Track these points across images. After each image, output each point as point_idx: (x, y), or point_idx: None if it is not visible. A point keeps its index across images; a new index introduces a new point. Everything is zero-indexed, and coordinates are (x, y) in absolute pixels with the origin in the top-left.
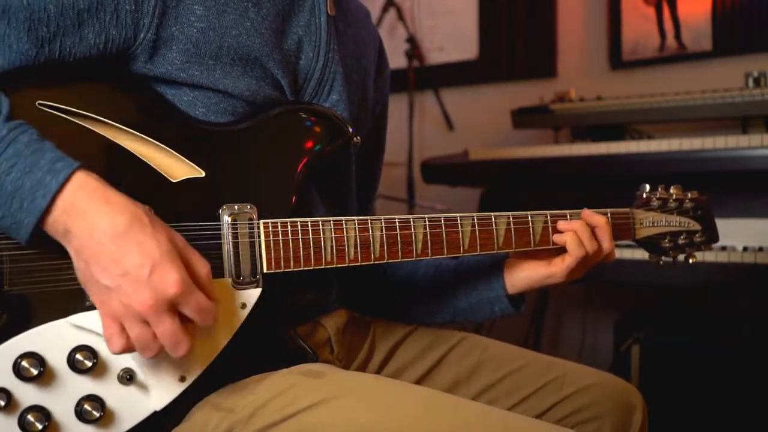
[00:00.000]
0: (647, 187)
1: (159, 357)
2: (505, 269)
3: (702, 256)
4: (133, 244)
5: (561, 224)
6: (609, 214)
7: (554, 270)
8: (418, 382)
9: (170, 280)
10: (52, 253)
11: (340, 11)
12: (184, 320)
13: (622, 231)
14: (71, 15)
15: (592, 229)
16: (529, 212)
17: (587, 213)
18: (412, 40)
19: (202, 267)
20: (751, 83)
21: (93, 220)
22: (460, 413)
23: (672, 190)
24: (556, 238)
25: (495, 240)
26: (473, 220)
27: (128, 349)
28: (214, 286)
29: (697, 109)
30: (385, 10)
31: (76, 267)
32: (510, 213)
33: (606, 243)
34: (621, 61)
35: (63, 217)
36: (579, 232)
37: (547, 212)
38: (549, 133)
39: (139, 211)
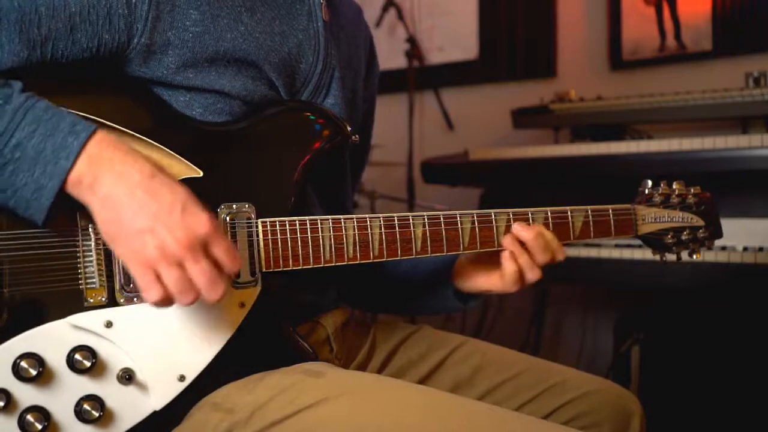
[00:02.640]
0: (649, 182)
1: (158, 354)
2: (454, 275)
3: (702, 256)
4: (163, 185)
5: (505, 242)
6: (610, 210)
7: (495, 284)
8: (419, 384)
9: (201, 219)
10: (52, 253)
11: (333, 15)
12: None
13: (624, 227)
14: (63, 18)
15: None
16: (529, 209)
17: (515, 230)
18: (412, 40)
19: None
20: (751, 83)
21: (121, 167)
22: (461, 412)
23: (675, 186)
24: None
25: (495, 237)
26: (473, 217)
27: (166, 296)
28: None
29: (697, 109)
30: (385, 10)
31: (102, 221)
32: (510, 210)
33: (540, 257)
34: (621, 61)
35: (90, 167)
36: (512, 248)
37: (548, 209)
38: (549, 133)
39: (157, 163)
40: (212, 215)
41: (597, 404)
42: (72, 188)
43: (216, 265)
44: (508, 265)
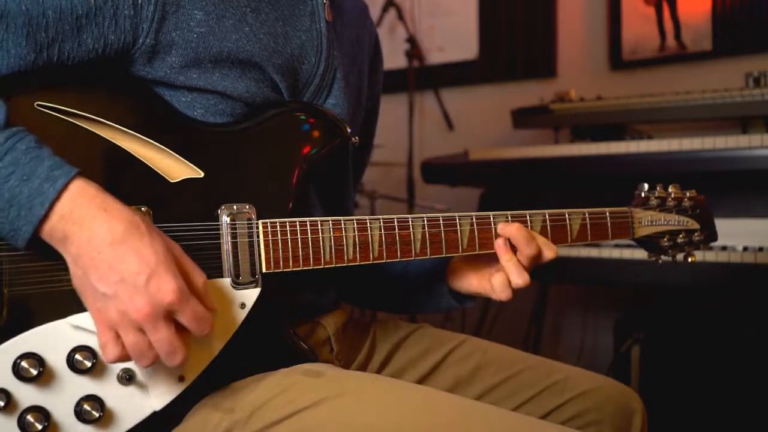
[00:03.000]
0: (645, 186)
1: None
2: (448, 275)
3: (702, 256)
4: (130, 252)
5: (497, 245)
6: (607, 213)
7: (485, 288)
8: (418, 383)
9: (167, 289)
10: (52, 253)
11: (336, 15)
12: (180, 329)
13: (620, 230)
14: (70, 20)
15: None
16: (527, 212)
17: (500, 228)
18: (412, 40)
19: (198, 276)
20: (751, 83)
21: (91, 228)
22: (461, 411)
23: (670, 189)
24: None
25: (493, 239)
26: (472, 219)
27: (123, 357)
28: (210, 296)
29: (697, 109)
30: (385, 10)
31: (73, 274)
32: (508, 212)
33: (526, 250)
34: (621, 61)
35: (61, 223)
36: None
37: (545, 211)
38: (549, 133)
39: (137, 219)
40: (182, 283)
41: (599, 402)
42: (45, 237)
43: (183, 328)
44: (496, 275)
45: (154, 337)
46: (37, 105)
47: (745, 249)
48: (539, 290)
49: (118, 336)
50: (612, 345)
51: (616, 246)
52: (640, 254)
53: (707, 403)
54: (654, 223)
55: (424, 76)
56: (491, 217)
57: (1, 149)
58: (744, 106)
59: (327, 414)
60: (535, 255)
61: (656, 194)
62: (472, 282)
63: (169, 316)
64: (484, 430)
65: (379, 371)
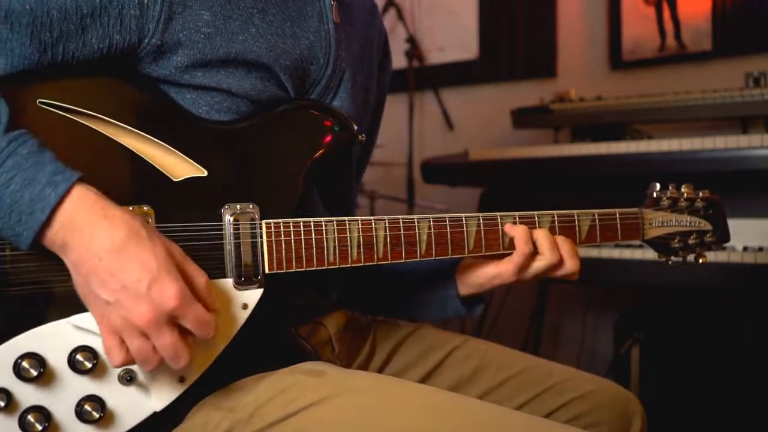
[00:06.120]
0: (657, 186)
1: None
2: (458, 271)
3: None
4: (131, 259)
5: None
6: (617, 215)
7: (503, 268)
8: (419, 383)
9: (169, 294)
10: (54, 252)
11: (344, 16)
12: (183, 331)
13: (630, 231)
14: (74, 20)
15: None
16: (535, 212)
17: (507, 227)
18: (412, 40)
19: (200, 278)
20: (751, 83)
21: (91, 235)
22: (461, 410)
23: (683, 189)
24: (507, 228)
25: (500, 240)
26: (479, 220)
27: (128, 362)
28: (213, 297)
29: (697, 109)
30: (385, 10)
31: (75, 281)
32: (516, 213)
33: (548, 254)
34: (621, 61)
35: (61, 231)
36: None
37: (554, 212)
38: (549, 133)
39: (137, 225)
40: (184, 288)
41: (597, 404)
42: (46, 243)
43: (187, 330)
44: (521, 245)
45: (158, 343)
46: (40, 102)
47: (745, 249)
48: (539, 290)
49: (122, 341)
50: (612, 345)
51: (617, 246)
52: (640, 254)
53: (707, 402)
54: (665, 224)
55: (424, 76)
56: (498, 217)
57: (3, 153)
58: (744, 106)
59: (328, 413)
60: (555, 264)
61: (668, 194)
62: (489, 268)
63: (173, 321)
64: (487, 429)
65: (379, 371)
